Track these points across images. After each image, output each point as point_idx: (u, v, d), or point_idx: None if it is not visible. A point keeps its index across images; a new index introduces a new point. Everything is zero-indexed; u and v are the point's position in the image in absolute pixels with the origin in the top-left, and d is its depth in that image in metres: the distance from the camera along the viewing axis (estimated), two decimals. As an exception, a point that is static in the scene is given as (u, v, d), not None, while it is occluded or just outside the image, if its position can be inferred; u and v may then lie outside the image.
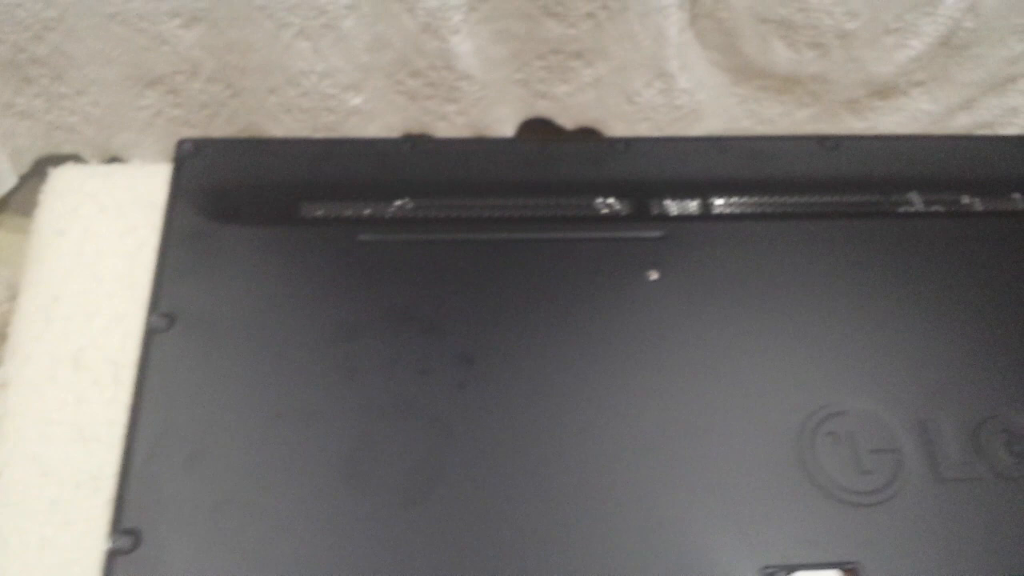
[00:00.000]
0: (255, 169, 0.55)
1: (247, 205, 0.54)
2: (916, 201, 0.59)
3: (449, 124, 0.79)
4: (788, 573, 0.48)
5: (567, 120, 0.85)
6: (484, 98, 0.78)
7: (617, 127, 0.83)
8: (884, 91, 0.82)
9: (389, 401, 0.50)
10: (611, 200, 0.58)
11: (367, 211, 0.54)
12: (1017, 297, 0.57)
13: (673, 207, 0.58)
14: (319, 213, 0.54)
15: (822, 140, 0.61)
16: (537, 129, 0.87)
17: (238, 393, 0.50)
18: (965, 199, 0.60)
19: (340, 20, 0.68)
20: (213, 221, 0.54)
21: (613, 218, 0.57)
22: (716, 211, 0.58)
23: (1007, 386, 0.55)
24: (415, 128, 0.80)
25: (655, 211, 0.58)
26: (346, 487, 0.48)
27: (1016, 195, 0.60)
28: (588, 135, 0.86)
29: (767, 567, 0.48)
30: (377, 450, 0.49)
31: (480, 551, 0.47)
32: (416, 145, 0.57)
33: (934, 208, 0.59)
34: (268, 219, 0.54)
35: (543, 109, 0.84)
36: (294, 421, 0.49)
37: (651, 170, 0.59)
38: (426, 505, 0.47)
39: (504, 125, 0.83)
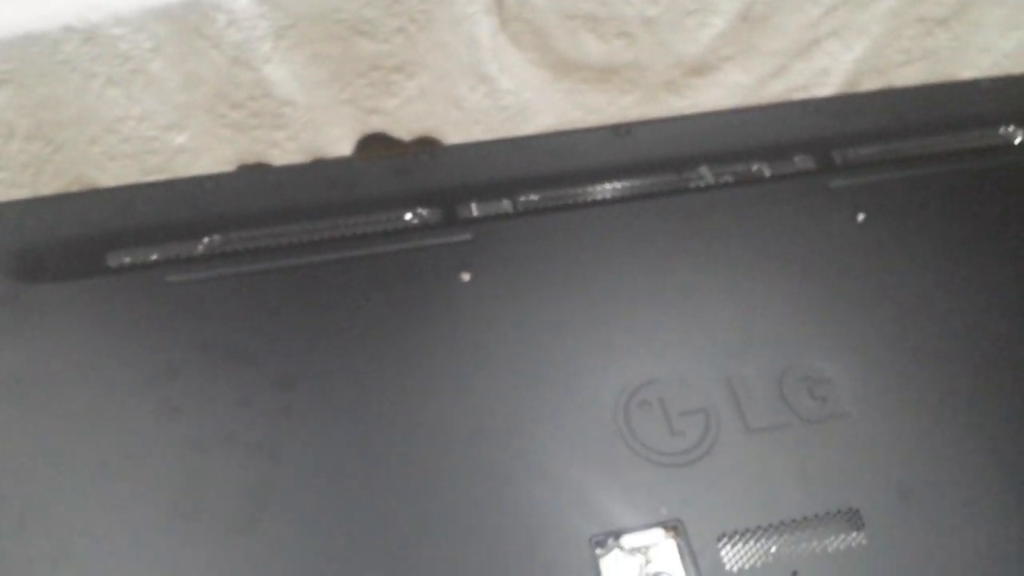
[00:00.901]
0: (58, 225, 0.56)
1: (52, 262, 0.55)
2: (706, 175, 0.62)
3: (281, 151, 0.80)
4: (615, 538, 0.51)
5: (402, 132, 0.86)
6: (312, 121, 0.79)
7: (452, 133, 0.85)
8: (698, 69, 0.86)
9: (213, 434, 0.51)
10: (420, 210, 0.60)
11: (174, 252, 0.56)
12: (806, 252, 0.62)
13: (480, 209, 0.61)
14: (126, 260, 0.55)
15: (615, 128, 0.64)
16: (376, 143, 0.88)
17: (62, 447, 0.51)
18: (754, 167, 0.64)
19: (147, 64, 0.69)
20: (20, 282, 0.54)
21: (422, 227, 0.60)
22: (521, 208, 0.61)
23: (804, 336, 0.59)
24: (249, 158, 0.81)
25: (463, 215, 0.60)
26: (179, 523, 0.49)
27: (799, 157, 0.64)
28: (427, 144, 0.88)
29: (595, 535, 0.51)
30: (205, 483, 0.50)
31: (314, 570, 0.49)
32: (219, 182, 0.59)
33: (724, 179, 0.63)
34: (75, 273, 0.54)
35: (377, 124, 0.85)
36: (120, 467, 0.50)
37: (456, 176, 0.62)
38: (257, 531, 0.49)
39: (339, 144, 0.84)
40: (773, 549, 0.52)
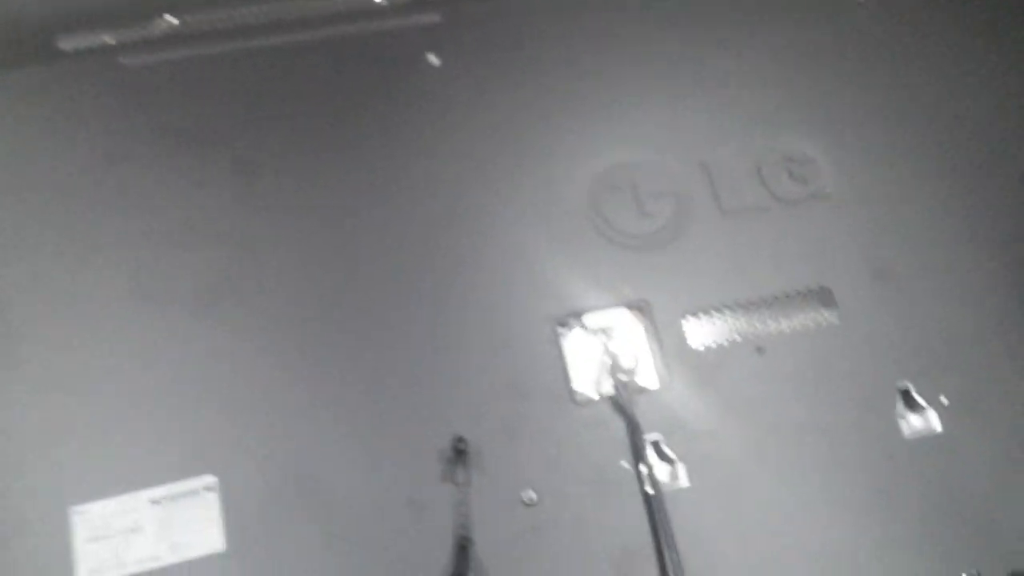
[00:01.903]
0: (5, 7, 0.54)
1: (0, 47, 0.53)
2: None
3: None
4: (577, 317, 0.51)
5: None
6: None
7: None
8: None
9: (170, 220, 0.51)
10: (385, -11, 0.57)
11: (128, 35, 0.54)
12: (798, 32, 0.58)
13: (447, -12, 0.57)
14: (78, 43, 0.53)
15: None
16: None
17: (16, 235, 0.50)
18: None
19: None
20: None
21: (389, 7, 0.56)
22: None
23: (788, 117, 0.57)
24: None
25: (430, -5, 0.57)
26: (138, 306, 0.49)
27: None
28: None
29: (558, 315, 0.51)
30: (164, 269, 0.50)
31: (274, 353, 0.49)
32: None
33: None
34: (25, 58, 0.53)
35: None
36: (77, 254, 0.49)
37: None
38: (218, 315, 0.49)
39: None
40: (740, 327, 0.51)
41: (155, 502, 0.45)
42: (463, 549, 0.44)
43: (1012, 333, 0.52)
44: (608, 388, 0.49)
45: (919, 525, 0.47)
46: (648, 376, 0.50)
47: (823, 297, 0.52)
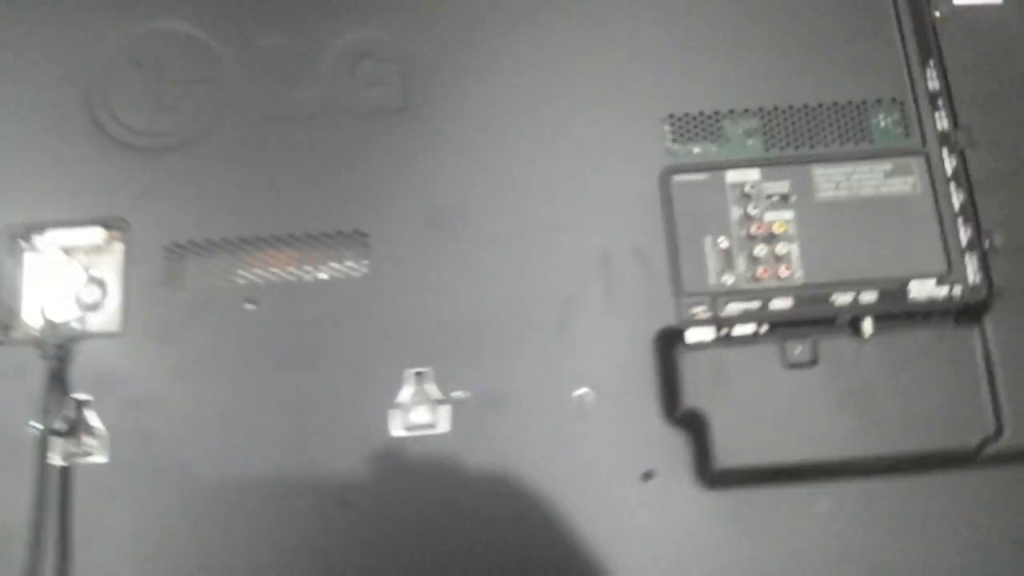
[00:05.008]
0: None
1: None
2: None
3: None
4: (37, 232, 0.40)
5: None
6: None
7: None
8: None
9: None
10: None
11: None
12: None
13: None
14: None
15: None
16: None
17: None
18: None
19: None
20: None
21: None
22: None
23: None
24: None
25: None
26: None
27: None
28: None
29: (15, 228, 0.40)
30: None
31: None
32: None
33: None
34: None
35: None
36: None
37: None
38: None
39: None
40: (242, 269, 0.40)
41: None
42: None
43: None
44: (60, 325, 0.39)
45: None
46: (106, 319, 0.39)
47: (357, 244, 0.40)
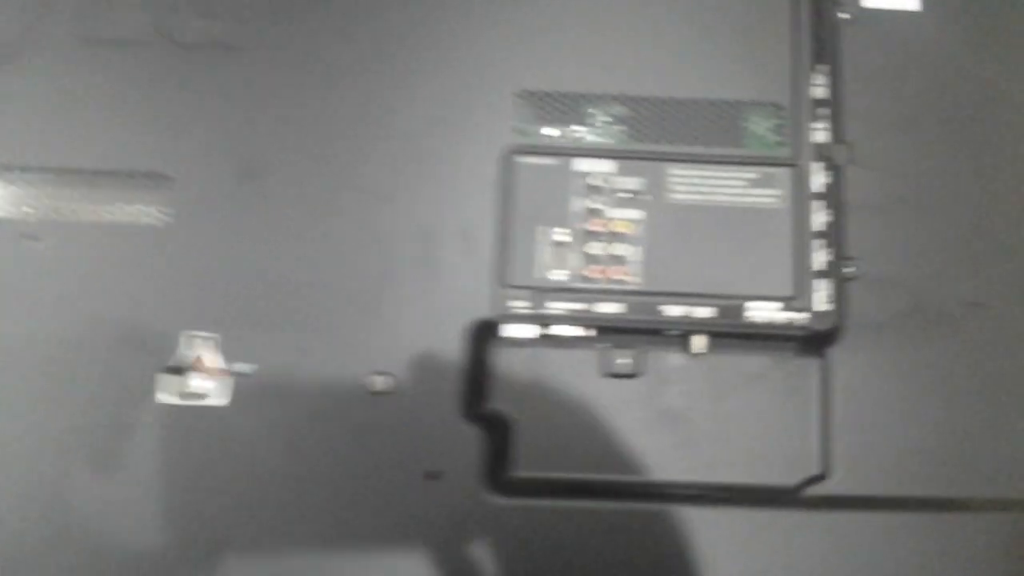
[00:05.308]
0: None
1: None
2: None
3: None
4: None
5: None
6: None
7: None
8: None
9: None
10: None
11: None
12: None
13: None
14: None
15: None
16: None
17: None
18: None
19: None
20: None
21: None
22: None
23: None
24: None
25: None
26: None
27: None
28: None
29: None
30: None
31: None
32: None
33: None
34: None
35: None
36: None
37: None
38: None
39: None
40: (31, 200, 0.36)
41: None
42: None
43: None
44: None
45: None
46: None
47: (161, 187, 0.36)
